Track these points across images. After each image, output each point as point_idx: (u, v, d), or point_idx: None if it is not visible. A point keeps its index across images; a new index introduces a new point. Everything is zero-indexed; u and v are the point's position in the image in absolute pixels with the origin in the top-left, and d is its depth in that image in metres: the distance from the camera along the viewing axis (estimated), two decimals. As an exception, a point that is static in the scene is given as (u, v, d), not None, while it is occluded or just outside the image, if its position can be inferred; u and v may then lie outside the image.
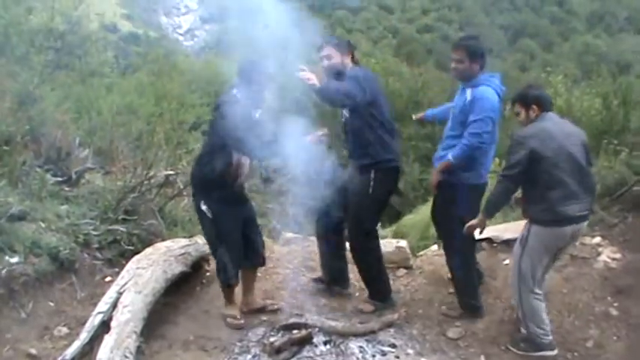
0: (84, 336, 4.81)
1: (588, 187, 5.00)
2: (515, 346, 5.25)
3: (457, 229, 5.24)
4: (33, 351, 4.84)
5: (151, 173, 6.80)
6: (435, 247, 7.25)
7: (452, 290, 5.97)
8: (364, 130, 5.45)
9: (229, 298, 5.54)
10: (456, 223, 5.27)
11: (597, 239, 6.70)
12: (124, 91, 13.32)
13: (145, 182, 6.57)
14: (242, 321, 5.42)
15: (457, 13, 49.85)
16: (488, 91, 5.32)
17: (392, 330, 5.38)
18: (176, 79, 16.83)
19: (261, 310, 5.63)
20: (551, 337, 5.16)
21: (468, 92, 5.35)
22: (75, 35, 11.98)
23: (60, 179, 6.60)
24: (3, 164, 6.02)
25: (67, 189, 6.63)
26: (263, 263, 5.70)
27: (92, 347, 4.72)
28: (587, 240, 6.70)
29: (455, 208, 5.34)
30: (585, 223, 5.11)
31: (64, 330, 5.17)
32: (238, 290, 5.58)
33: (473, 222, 5.03)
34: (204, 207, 5.24)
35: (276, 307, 5.65)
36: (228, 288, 5.47)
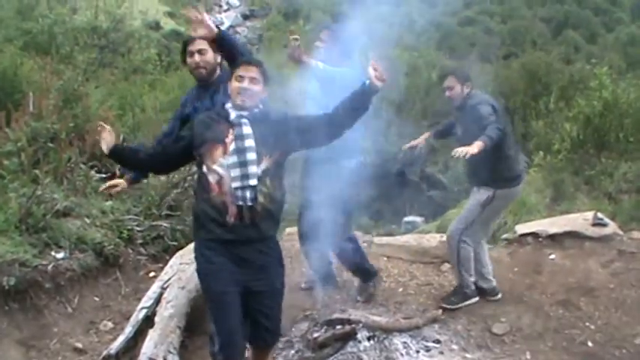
0: (128, 330, 4.87)
1: None
2: (448, 302, 5.60)
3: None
4: (79, 345, 4.92)
5: (194, 169, 6.82)
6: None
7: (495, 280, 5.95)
8: None
9: None
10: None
11: (645, 234, 6.58)
12: (167, 87, 13.35)
13: (189, 178, 6.59)
14: None
15: (499, 5, 49.29)
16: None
17: (436, 326, 5.32)
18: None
19: None
20: (474, 287, 5.67)
21: None
22: (118, 33, 12.12)
23: (104, 175, 6.66)
24: (49, 161, 6.09)
25: (111, 185, 6.70)
26: (266, 345, 4.26)
27: (136, 342, 4.78)
28: (635, 234, 6.58)
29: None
30: None
31: (109, 324, 5.24)
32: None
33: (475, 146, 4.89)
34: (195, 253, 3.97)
35: None
36: None
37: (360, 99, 3.91)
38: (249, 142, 3.84)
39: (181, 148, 3.96)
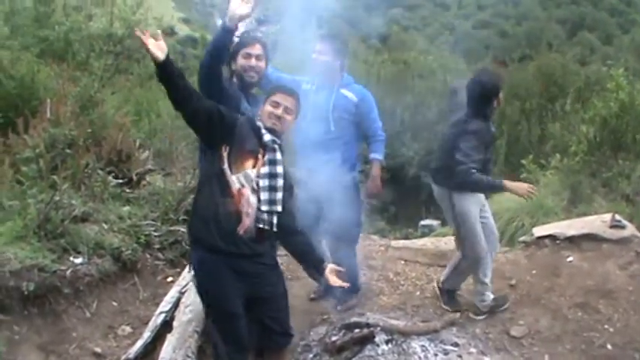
0: (147, 335, 4.89)
1: None
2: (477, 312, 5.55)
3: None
4: (98, 349, 4.93)
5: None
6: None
7: (513, 283, 5.92)
8: None
9: None
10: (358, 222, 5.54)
11: (663, 235, 6.52)
12: (182, 93, 13.43)
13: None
14: None
15: (514, 8, 49.21)
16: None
17: (454, 329, 5.31)
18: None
19: None
20: None
21: (348, 93, 5.29)
22: (134, 39, 12.15)
23: (121, 181, 6.67)
24: (66, 167, 6.10)
25: (128, 190, 6.71)
26: (278, 347, 4.25)
27: (155, 346, 4.80)
28: (653, 236, 6.52)
29: (357, 207, 5.44)
30: None
31: (128, 329, 5.25)
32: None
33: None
34: (192, 266, 4.03)
35: None
36: None
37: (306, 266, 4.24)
38: (280, 169, 3.92)
39: (226, 118, 3.81)
